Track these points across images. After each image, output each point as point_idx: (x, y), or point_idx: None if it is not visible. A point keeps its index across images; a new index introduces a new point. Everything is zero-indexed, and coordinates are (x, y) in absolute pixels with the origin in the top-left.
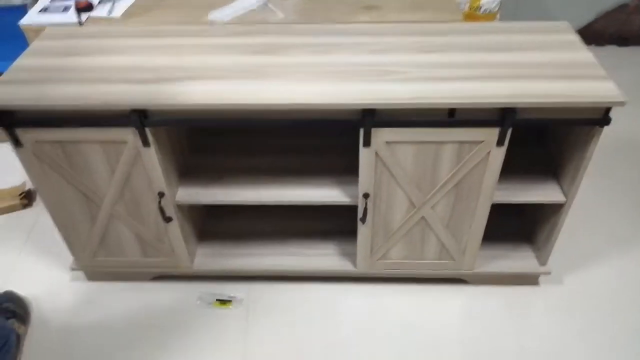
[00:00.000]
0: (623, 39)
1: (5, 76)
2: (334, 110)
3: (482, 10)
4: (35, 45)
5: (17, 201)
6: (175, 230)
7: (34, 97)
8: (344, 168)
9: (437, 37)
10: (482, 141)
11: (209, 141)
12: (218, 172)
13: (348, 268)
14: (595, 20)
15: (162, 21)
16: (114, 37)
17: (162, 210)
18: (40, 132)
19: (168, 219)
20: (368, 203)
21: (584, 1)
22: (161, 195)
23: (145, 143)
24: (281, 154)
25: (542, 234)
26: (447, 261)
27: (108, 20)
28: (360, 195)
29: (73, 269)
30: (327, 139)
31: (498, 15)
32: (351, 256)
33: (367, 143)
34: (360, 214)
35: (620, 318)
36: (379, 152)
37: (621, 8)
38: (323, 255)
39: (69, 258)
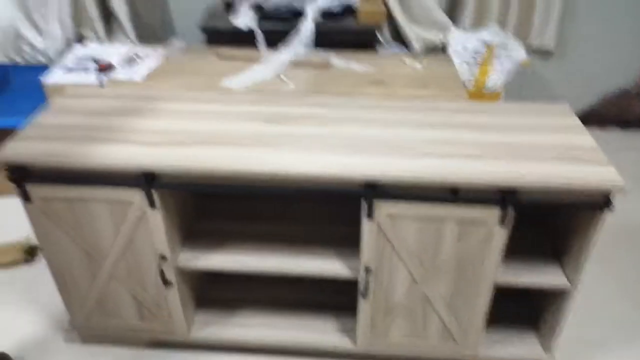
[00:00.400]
0: (625, 123)
1: (23, 132)
2: (338, 182)
3: (487, 89)
4: (56, 103)
5: (20, 256)
6: (174, 295)
7: (46, 154)
8: (347, 237)
9: (443, 114)
10: (484, 220)
11: (214, 205)
12: (221, 238)
13: (347, 346)
14: (598, 104)
15: (180, 86)
16: (134, 100)
17: (162, 274)
18: (50, 188)
19: (168, 283)
20: (370, 277)
21: (587, 85)
22: (162, 258)
23: (152, 205)
24: (284, 221)
25: (547, 319)
26: (449, 342)
27: (129, 83)
28: (362, 268)
29: (67, 330)
30: (331, 207)
31: (502, 94)
32: (351, 332)
33: (370, 215)
34: (361, 288)
35: None
36: (381, 224)
37: (623, 93)
38: (322, 331)
39: (65, 318)
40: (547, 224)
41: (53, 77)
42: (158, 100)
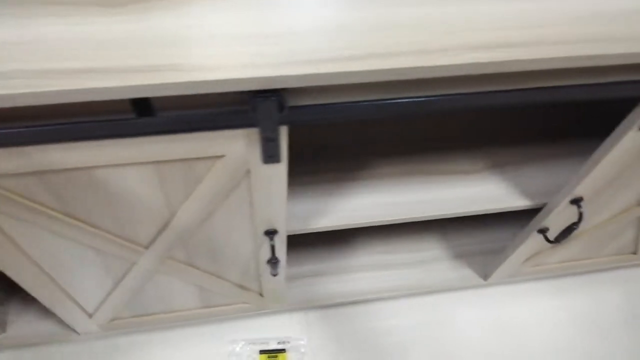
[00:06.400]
0: None
1: None
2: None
3: None
4: None
5: None
6: (278, 272)
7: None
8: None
9: None
10: None
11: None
12: (325, 178)
13: (475, 282)
14: None
15: None
16: None
17: (273, 251)
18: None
19: (274, 262)
20: (580, 209)
21: None
22: (272, 233)
23: (272, 156)
24: (403, 144)
25: None
26: (626, 255)
27: None
28: (567, 199)
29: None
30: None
31: None
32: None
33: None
34: (561, 229)
35: None
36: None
37: None
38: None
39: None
40: None
41: None
42: None
